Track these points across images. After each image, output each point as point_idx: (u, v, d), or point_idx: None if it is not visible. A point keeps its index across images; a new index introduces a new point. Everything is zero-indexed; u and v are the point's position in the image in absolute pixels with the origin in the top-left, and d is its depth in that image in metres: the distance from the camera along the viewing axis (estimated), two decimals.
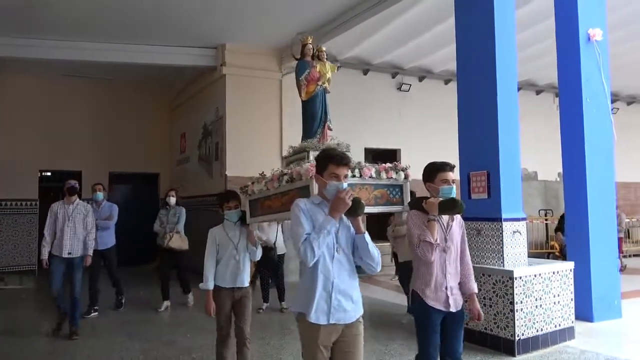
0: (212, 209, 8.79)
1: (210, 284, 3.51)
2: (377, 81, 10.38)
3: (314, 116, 3.75)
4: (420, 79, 10.81)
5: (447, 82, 10.88)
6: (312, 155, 3.38)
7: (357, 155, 11.23)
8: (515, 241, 4.63)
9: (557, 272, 4.73)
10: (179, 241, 6.56)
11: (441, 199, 2.77)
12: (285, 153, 4.39)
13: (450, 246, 2.80)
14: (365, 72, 10.21)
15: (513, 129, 4.82)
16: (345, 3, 7.19)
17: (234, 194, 3.69)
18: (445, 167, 2.86)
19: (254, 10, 7.45)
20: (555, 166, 9.12)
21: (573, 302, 4.79)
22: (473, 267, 2.99)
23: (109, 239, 6.48)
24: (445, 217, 2.83)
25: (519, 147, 4.87)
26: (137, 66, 9.21)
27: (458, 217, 2.90)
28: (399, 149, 10.46)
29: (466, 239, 2.98)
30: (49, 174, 11.15)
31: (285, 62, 9.11)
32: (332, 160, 2.33)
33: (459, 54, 5.25)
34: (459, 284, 2.86)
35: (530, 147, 9.65)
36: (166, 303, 6.60)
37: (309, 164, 2.93)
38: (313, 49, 3.82)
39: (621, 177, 12.16)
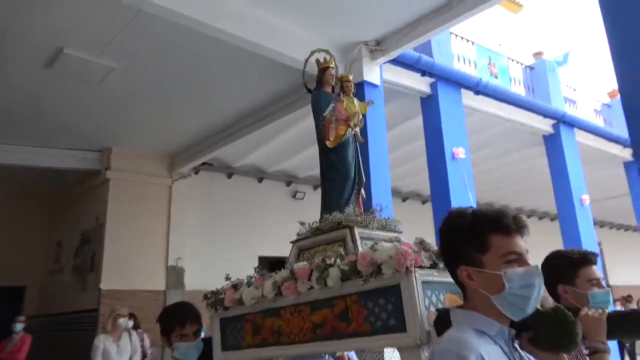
0: (85, 329, 7.76)
1: None
2: (272, 189, 10.48)
3: (346, 173, 2.45)
4: (315, 187, 11.12)
5: None
6: (358, 233, 2.11)
7: (251, 264, 10.79)
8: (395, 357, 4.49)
9: None
10: None
11: (607, 311, 1.66)
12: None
13: None
14: (260, 180, 10.30)
15: None
16: (237, 113, 7.37)
17: (193, 312, 2.21)
18: (590, 258, 1.85)
19: (144, 115, 7.35)
20: None
21: None
22: None
23: None
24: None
25: None
26: (8, 167, 8.46)
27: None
28: None
29: None
30: None
31: (177, 167, 8.94)
32: (497, 226, 1.21)
33: None
34: None
35: None
36: None
37: (404, 243, 1.71)
38: (336, 77, 2.77)
39: None
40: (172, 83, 6.35)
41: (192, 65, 5.89)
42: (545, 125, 8.45)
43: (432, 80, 6.46)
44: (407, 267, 1.58)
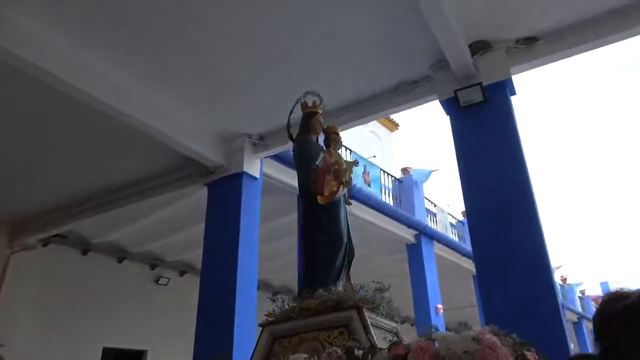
0: None
1: None
2: (133, 271, 9.60)
3: (339, 237, 2.05)
4: (182, 273, 10.45)
5: None
6: (369, 318, 1.72)
7: (92, 357, 9.31)
8: None
9: None
10: None
11: None
12: None
13: None
14: (121, 260, 9.40)
15: (249, 329, 4.74)
16: (100, 186, 6.79)
17: None
18: None
19: None
20: None
21: None
22: None
23: None
24: None
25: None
26: None
27: None
28: (146, 350, 9.29)
29: None
30: None
31: (20, 237, 7.82)
32: None
33: (206, 256, 5.26)
34: None
35: None
36: None
37: (482, 332, 1.27)
38: (323, 125, 2.38)
39: None
40: (24, 142, 5.63)
41: (51, 127, 5.31)
42: (408, 235, 9.12)
43: None
44: None
